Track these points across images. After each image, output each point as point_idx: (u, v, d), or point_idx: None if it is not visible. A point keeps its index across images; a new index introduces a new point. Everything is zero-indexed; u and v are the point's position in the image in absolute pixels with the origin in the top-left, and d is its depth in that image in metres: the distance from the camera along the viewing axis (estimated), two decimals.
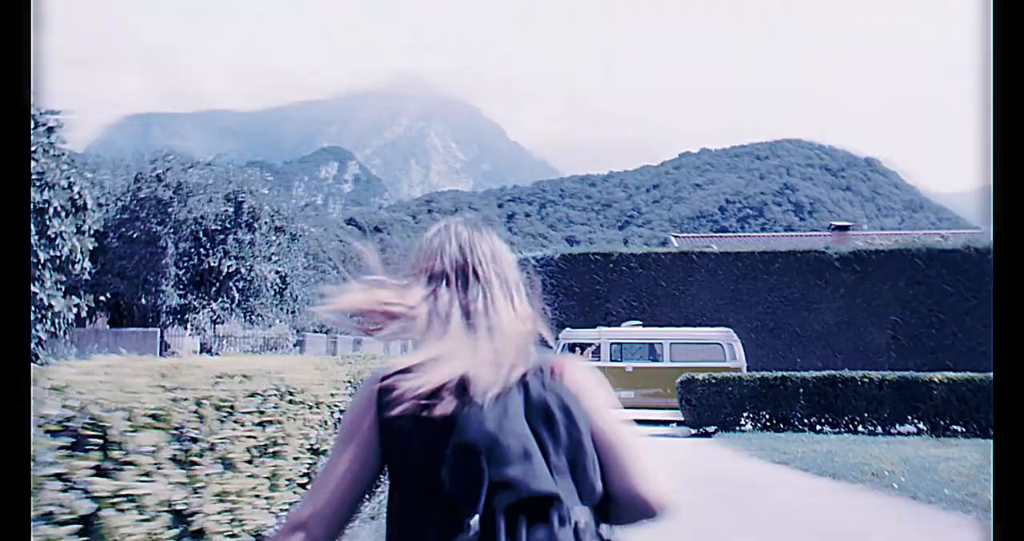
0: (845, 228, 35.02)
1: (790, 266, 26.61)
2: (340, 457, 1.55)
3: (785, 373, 16.29)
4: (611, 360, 19.79)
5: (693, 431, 16.35)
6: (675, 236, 39.74)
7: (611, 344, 19.89)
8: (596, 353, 19.87)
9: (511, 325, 1.59)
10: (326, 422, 6.10)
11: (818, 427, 15.94)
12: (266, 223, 34.64)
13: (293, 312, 38.58)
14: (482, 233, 1.70)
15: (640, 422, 19.80)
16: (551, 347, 1.69)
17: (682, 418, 17.44)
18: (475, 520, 1.36)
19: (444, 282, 1.62)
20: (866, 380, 15.80)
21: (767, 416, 16.09)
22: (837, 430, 15.76)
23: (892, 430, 15.71)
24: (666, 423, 19.23)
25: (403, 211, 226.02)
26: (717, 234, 47.64)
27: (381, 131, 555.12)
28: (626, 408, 19.91)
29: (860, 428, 15.81)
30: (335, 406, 6.39)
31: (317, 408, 5.93)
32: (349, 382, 6.95)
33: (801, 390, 15.90)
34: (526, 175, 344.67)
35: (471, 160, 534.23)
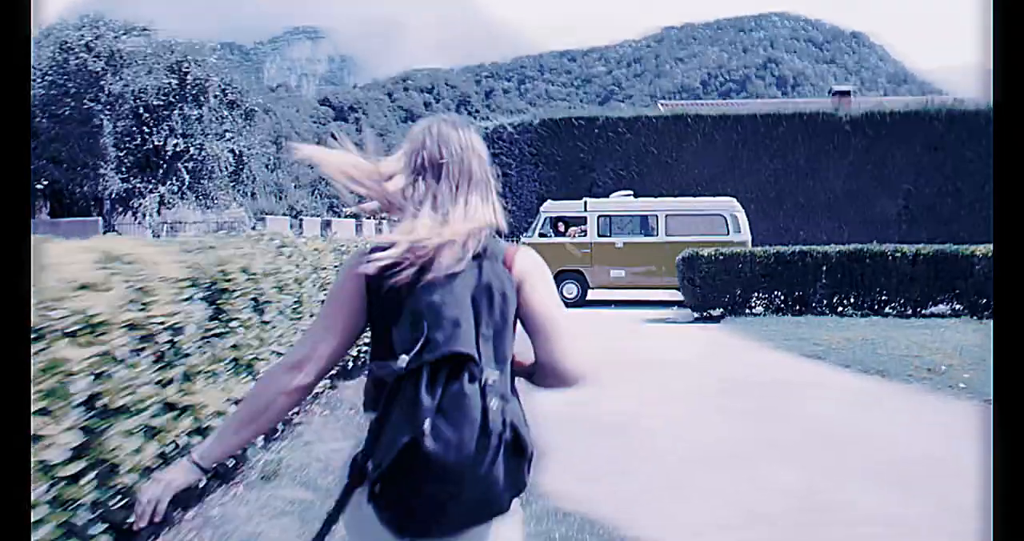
0: (847, 93, 32.04)
1: (795, 130, 23.95)
2: (329, 313, 1.84)
3: (804, 247, 13.94)
4: (599, 235, 17.40)
5: (696, 315, 14.12)
6: (662, 104, 36.67)
7: (598, 217, 17.45)
8: (582, 228, 17.47)
9: (473, 216, 1.83)
10: None
11: (840, 309, 13.74)
12: (216, 97, 31.43)
13: (252, 194, 35.85)
14: (459, 131, 1.89)
15: (634, 303, 17.75)
16: (500, 236, 1.90)
17: (682, 299, 15.30)
18: (403, 359, 1.62)
19: (422, 174, 1.85)
20: (898, 255, 13.52)
21: (782, 297, 13.85)
22: (862, 312, 13.57)
23: (923, 311, 13.53)
24: (664, 304, 17.05)
25: (378, 90, 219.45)
26: (708, 102, 44.50)
27: (356, 8, 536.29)
28: (616, 288, 17.70)
29: (887, 309, 13.63)
30: None
31: None
32: None
33: (824, 267, 13.60)
34: (505, 51, 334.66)
35: (449, 37, 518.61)
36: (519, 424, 1.65)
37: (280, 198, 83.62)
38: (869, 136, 23.78)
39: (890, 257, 13.52)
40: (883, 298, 13.64)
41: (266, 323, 4.55)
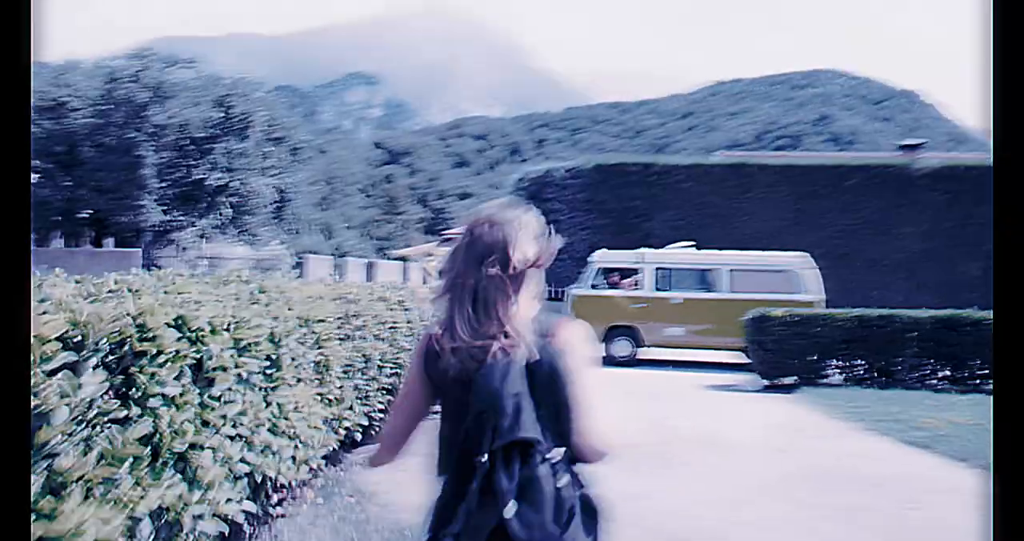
0: (917, 147, 30.29)
1: (867, 183, 22.36)
2: (405, 391, 2.08)
3: (890, 311, 12.33)
4: (655, 289, 15.90)
5: (765, 382, 12.53)
6: (723, 154, 35.17)
7: (656, 269, 15.97)
8: (636, 280, 16.01)
9: (527, 310, 2.00)
10: None
11: (930, 382, 12.08)
12: (261, 131, 30.71)
13: (296, 231, 34.92)
14: (517, 226, 2.03)
15: (691, 364, 16.18)
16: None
17: (747, 363, 13.72)
18: (484, 458, 1.77)
19: (477, 270, 1.98)
20: None
21: (864, 366, 12.23)
22: (957, 386, 11.89)
23: None
24: (725, 367, 15.45)
25: (431, 135, 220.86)
26: (771, 153, 42.91)
27: (411, 56, 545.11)
28: (672, 347, 16.15)
29: (984, 384, 11.95)
30: None
31: None
32: None
33: (914, 333, 11.98)
34: (556, 102, 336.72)
35: (501, 86, 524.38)
36: (587, 489, 1.86)
37: (329, 237, 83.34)
38: (948, 192, 22.10)
39: (991, 325, 11.86)
40: (981, 372, 11.97)
41: (214, 398, 3.18)
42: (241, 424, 3.48)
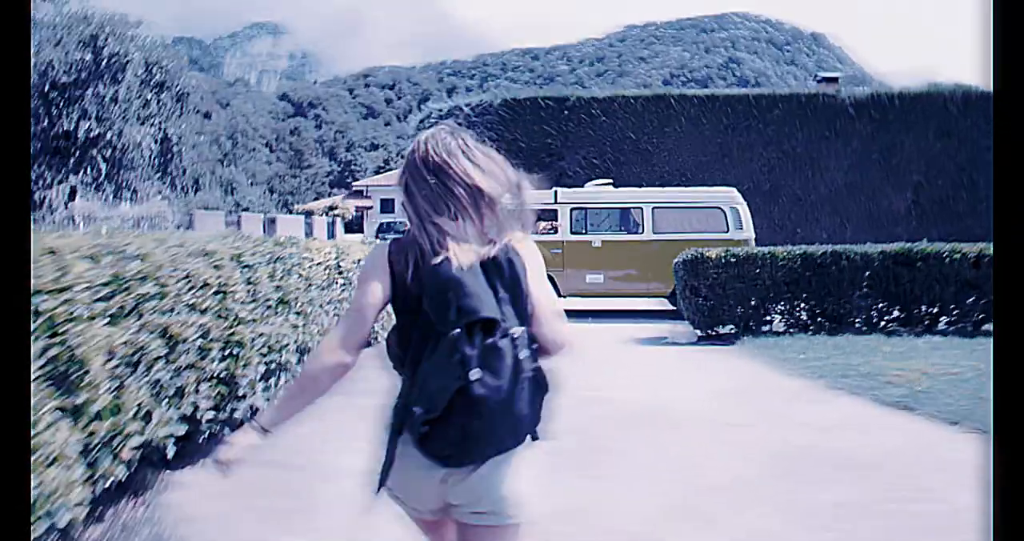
0: (834, 80, 29.15)
1: (791, 114, 21.00)
2: (360, 298, 2.17)
3: (838, 247, 10.92)
4: (571, 232, 14.25)
5: (699, 333, 11.05)
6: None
7: (572, 210, 14.31)
8: (552, 224, 14.34)
9: (505, 222, 2.20)
10: None
11: (882, 324, 10.78)
12: (138, 76, 27.88)
13: (186, 187, 32.15)
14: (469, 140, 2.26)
15: (614, 314, 14.71)
16: None
17: (674, 310, 12.30)
18: (452, 331, 1.99)
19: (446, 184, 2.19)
20: (956, 255, 10.58)
21: (807, 310, 10.84)
22: (911, 329, 10.61)
23: (986, 327, 10.59)
24: (652, 315, 13.98)
25: (339, 86, 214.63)
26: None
27: (317, 4, 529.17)
28: (593, 296, 14.64)
29: (941, 325, 10.72)
30: None
31: None
32: None
33: (865, 272, 10.60)
34: (467, 50, 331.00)
35: (410, 34, 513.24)
36: (540, 367, 2.11)
37: (230, 193, 79.71)
38: (875, 120, 20.92)
39: (947, 259, 10.57)
40: (933, 311, 10.71)
41: None
42: None
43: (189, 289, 4.55)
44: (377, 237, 36.05)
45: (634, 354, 9.95)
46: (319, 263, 7.57)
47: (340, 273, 8.53)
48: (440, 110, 22.71)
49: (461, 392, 1.97)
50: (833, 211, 20.92)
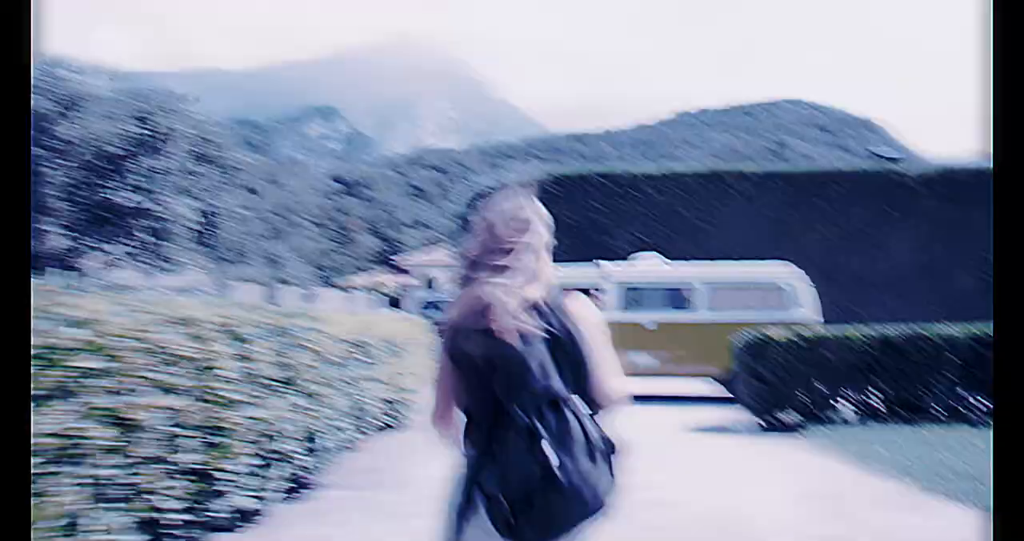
0: (893, 161, 28.13)
1: (853, 191, 20.03)
2: (441, 373, 2.30)
3: (918, 328, 9.85)
4: (623, 309, 13.32)
5: (761, 422, 9.97)
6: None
7: (618, 286, 13.42)
8: (596, 302, 13.40)
9: (546, 277, 2.29)
10: None
11: (966, 414, 9.63)
12: (183, 148, 27.90)
13: (227, 259, 31.91)
14: (532, 205, 2.33)
15: (659, 398, 13.64)
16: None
17: (727, 395, 11.33)
18: (520, 413, 2.07)
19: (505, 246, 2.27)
20: None
21: (882, 397, 9.72)
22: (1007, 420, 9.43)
23: None
24: (701, 400, 12.92)
25: (388, 167, 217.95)
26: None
27: (371, 90, 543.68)
28: (644, 375, 13.52)
29: None
30: None
31: None
32: None
33: (949, 356, 9.51)
34: (517, 135, 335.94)
35: (462, 120, 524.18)
36: (606, 435, 2.14)
37: (275, 266, 79.91)
38: (944, 197, 19.84)
39: None
40: None
41: None
42: None
43: (161, 364, 3.74)
44: (422, 314, 35.39)
45: (693, 445, 8.89)
46: (335, 337, 6.75)
47: (362, 348, 7.71)
48: (489, 187, 22.15)
49: (545, 479, 1.99)
50: (898, 294, 19.73)
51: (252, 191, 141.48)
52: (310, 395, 5.71)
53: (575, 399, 2.12)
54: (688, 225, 19.91)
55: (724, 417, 10.71)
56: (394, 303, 62.06)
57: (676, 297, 13.65)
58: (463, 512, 2.10)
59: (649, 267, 14.09)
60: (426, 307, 35.98)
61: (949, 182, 19.90)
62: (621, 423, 2.29)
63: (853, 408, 9.80)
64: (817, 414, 9.74)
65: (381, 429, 8.79)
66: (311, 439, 5.70)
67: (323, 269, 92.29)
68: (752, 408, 9.97)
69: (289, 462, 5.27)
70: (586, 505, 2.04)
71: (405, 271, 71.14)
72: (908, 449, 7.88)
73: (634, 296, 13.42)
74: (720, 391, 13.36)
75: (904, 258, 19.86)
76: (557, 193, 20.14)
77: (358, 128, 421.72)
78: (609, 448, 2.12)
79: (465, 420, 2.20)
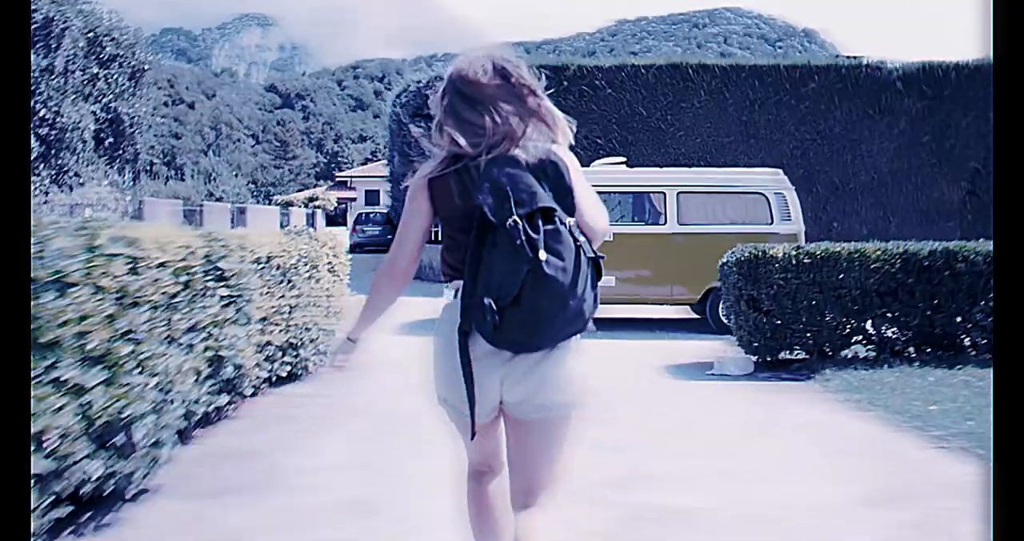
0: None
1: (830, 88, 17.94)
2: (407, 221, 2.40)
3: (951, 245, 7.86)
4: None
5: (754, 358, 7.98)
6: None
7: None
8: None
9: (529, 115, 2.30)
10: None
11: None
12: (81, 47, 24.69)
13: (133, 174, 28.89)
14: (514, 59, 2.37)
15: (622, 323, 11.73)
16: None
17: (706, 323, 9.43)
18: (512, 220, 2.09)
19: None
20: None
21: (907, 332, 7.79)
22: None
23: None
24: (679, 326, 10.98)
25: (327, 78, 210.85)
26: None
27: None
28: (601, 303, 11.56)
29: None
30: None
31: None
32: None
33: (988, 280, 7.56)
34: (457, 44, 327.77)
35: (400, 28, 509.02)
36: (595, 254, 2.21)
37: (210, 182, 75.99)
38: (928, 97, 17.88)
39: None
40: None
41: None
42: None
43: None
44: (354, 229, 33.00)
45: (674, 397, 6.88)
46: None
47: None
48: (418, 82, 19.64)
49: (531, 274, 2.06)
50: (876, 202, 17.91)
51: (190, 106, 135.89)
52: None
53: (568, 218, 2.17)
54: (649, 126, 17.70)
55: (709, 352, 8.71)
56: (332, 220, 59.48)
57: (641, 207, 11.58)
58: (463, 337, 2.20)
59: (610, 170, 11.89)
60: (361, 221, 33.49)
61: (934, 81, 17.87)
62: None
63: (870, 343, 7.87)
64: (825, 352, 7.80)
65: (274, 383, 6.66)
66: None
67: (260, 185, 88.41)
68: (746, 344, 7.96)
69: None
70: (572, 314, 2.12)
71: (345, 184, 68.36)
72: (957, 400, 5.97)
73: None
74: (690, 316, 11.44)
75: (883, 164, 17.95)
76: None
77: (295, 38, 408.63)
78: (597, 268, 2.20)
79: (450, 252, 2.33)
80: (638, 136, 17.50)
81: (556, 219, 2.11)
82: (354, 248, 32.52)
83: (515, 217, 2.07)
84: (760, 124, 17.65)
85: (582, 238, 2.14)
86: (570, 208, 2.19)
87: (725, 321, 9.56)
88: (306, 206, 56.06)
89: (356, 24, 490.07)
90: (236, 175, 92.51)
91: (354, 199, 61.88)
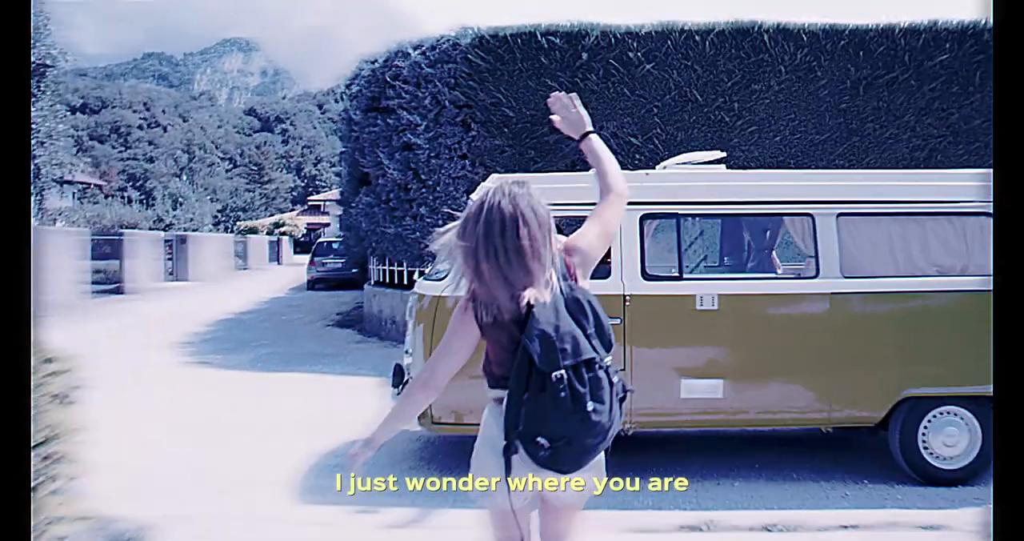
0: None
1: (968, 61, 12.43)
2: (448, 341, 2.53)
3: None
4: (643, 274, 5.68)
5: None
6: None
7: (641, 218, 5.78)
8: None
9: (552, 259, 2.44)
10: None
11: None
12: None
13: (36, 192, 23.35)
14: (531, 198, 2.46)
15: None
16: None
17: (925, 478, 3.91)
18: (559, 373, 2.30)
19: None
20: None
21: None
22: None
23: None
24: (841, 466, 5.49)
25: (308, 101, 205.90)
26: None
27: (290, 22, 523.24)
28: (692, 426, 5.90)
29: None
30: None
31: None
32: None
33: None
34: None
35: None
36: (622, 381, 2.46)
37: (179, 207, 70.31)
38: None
39: None
40: None
41: None
42: None
43: None
44: (311, 262, 27.56)
45: None
46: None
47: None
48: (373, 63, 14.24)
49: (579, 420, 2.33)
50: None
51: (164, 129, 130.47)
52: None
53: (607, 359, 2.41)
54: (704, 119, 12.21)
55: None
56: (303, 247, 54.09)
57: (762, 244, 6.13)
58: (509, 455, 2.41)
59: (698, 175, 6.31)
60: (320, 252, 28.08)
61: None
62: None
63: None
64: None
65: None
66: None
67: (230, 210, 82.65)
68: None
69: None
70: (609, 439, 2.44)
71: (323, 211, 63.25)
72: None
73: (676, 238, 5.78)
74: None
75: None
76: (485, 66, 12.33)
77: (277, 63, 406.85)
78: (623, 392, 2.46)
79: (496, 367, 2.52)
80: (690, 133, 11.94)
81: (596, 366, 2.38)
82: (312, 284, 27.10)
83: (561, 371, 2.32)
84: (867, 114, 12.07)
85: (616, 376, 2.44)
86: (608, 343, 2.46)
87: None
88: (270, 233, 50.49)
89: (335, 47, 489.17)
90: (212, 199, 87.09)
91: (327, 225, 56.80)
